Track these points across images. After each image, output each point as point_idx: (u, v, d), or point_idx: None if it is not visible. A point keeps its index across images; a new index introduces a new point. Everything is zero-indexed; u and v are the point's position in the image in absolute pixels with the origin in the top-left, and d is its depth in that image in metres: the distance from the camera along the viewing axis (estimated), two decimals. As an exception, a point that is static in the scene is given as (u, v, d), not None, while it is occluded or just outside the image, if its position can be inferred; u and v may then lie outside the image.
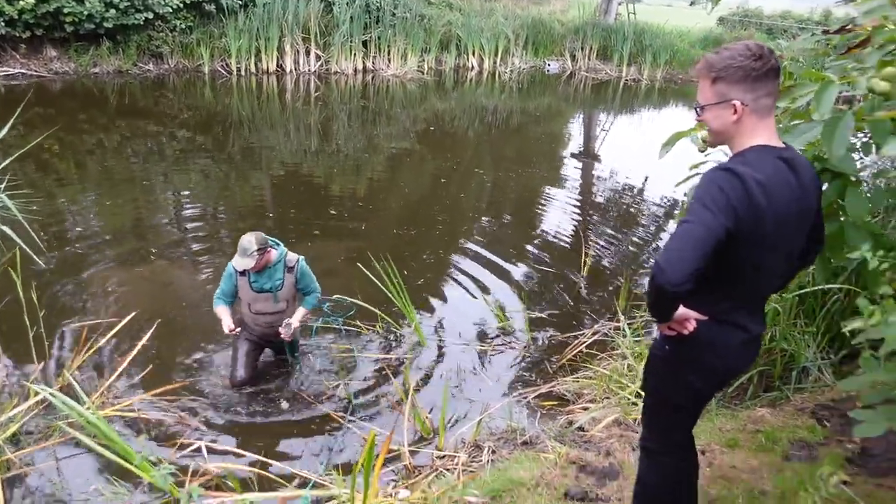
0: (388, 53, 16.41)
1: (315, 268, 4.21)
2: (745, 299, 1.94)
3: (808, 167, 1.86)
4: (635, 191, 9.16)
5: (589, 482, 2.78)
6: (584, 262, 6.00)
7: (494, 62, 18.53)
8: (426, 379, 4.32)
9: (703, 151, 2.58)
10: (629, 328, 4.51)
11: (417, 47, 16.68)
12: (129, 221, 6.66)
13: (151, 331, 4.16)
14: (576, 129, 14.39)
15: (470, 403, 4.06)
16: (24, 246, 3.87)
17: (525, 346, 4.78)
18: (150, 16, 12.78)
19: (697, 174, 2.75)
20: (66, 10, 11.65)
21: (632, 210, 8.35)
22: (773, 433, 3.09)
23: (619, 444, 3.22)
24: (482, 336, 4.89)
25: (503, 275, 5.94)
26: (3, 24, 11.29)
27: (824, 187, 2.19)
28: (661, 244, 7.05)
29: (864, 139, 2.26)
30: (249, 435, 3.68)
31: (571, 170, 10.46)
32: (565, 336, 4.88)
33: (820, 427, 3.16)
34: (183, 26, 13.54)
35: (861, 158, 2.76)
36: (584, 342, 4.70)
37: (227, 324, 3.86)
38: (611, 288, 5.77)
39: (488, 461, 3.30)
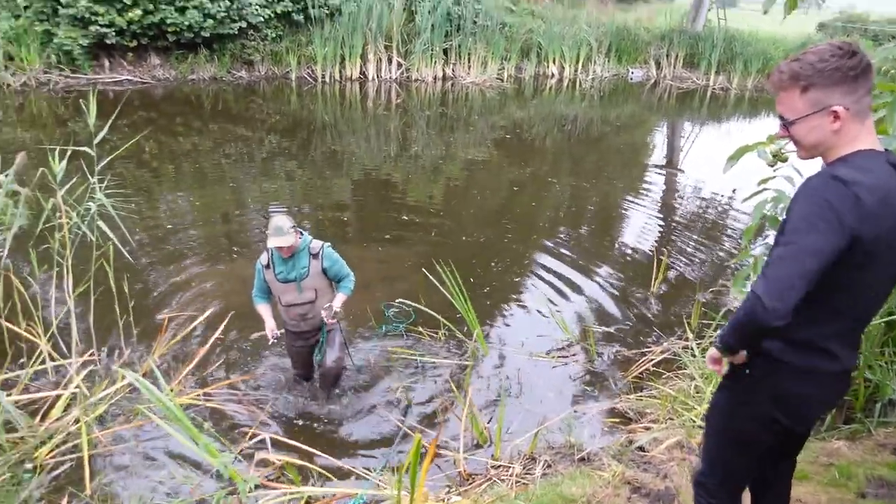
0: (468, 61, 16.55)
1: (382, 272, 4.33)
2: (842, 325, 1.70)
3: None
4: (720, 206, 8.80)
5: (642, 504, 2.71)
6: (657, 277, 5.83)
7: (575, 70, 18.31)
8: (486, 387, 4.33)
9: (772, 166, 2.47)
10: (699, 348, 4.35)
11: (498, 55, 16.73)
12: (217, 220, 7.04)
13: (223, 325, 4.39)
14: (658, 139, 13.99)
15: (529, 414, 4.03)
16: (116, 242, 4.17)
17: (589, 361, 4.71)
18: (244, 25, 13.49)
19: (766, 189, 2.65)
20: (168, 21, 12.47)
21: (715, 226, 8.02)
22: (848, 468, 2.90)
23: (679, 468, 3.12)
24: (545, 347, 4.85)
25: (571, 286, 5.86)
26: (113, 33, 12.22)
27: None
28: (743, 264, 6.74)
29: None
30: (311, 431, 3.82)
31: (652, 181, 10.17)
32: (632, 352, 4.77)
33: (903, 465, 2.94)
34: (273, 35, 14.20)
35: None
36: (652, 360, 4.58)
37: (270, 326, 3.85)
38: (684, 306, 5.58)
39: (542, 474, 3.28)
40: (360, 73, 15.32)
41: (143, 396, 3.50)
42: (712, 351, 1.84)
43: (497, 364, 4.59)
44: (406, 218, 7.28)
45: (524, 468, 3.39)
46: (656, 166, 11.19)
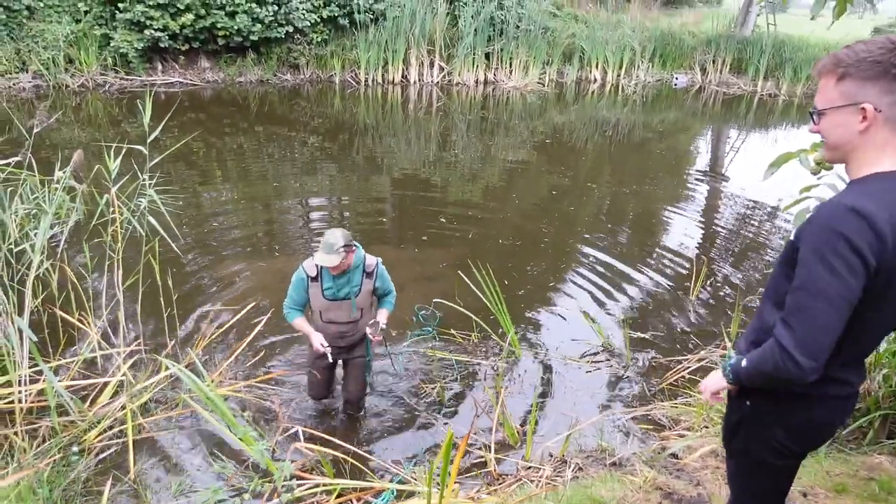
0: (510, 65, 16.56)
1: (417, 272, 4.38)
2: (856, 353, 1.64)
3: None
4: (764, 214, 8.60)
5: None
6: (696, 284, 5.74)
7: (618, 75, 18.12)
8: (519, 389, 4.34)
9: (815, 174, 2.43)
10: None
11: (540, 59, 16.69)
12: (260, 218, 7.23)
13: (264, 320, 4.52)
14: (703, 145, 13.73)
15: (561, 417, 4.03)
16: (165, 235, 4.33)
17: (624, 366, 4.67)
18: (291, 29, 13.80)
19: (808, 198, 2.60)
20: (219, 25, 12.85)
21: (758, 234, 7.84)
22: (889, 483, 2.82)
23: (713, 476, 3.08)
24: (580, 351, 4.83)
25: (608, 292, 5.82)
26: (167, 37, 12.66)
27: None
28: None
29: None
30: (344, 427, 3.89)
31: (695, 188, 9.99)
32: (668, 359, 4.71)
33: (949, 483, 2.84)
34: (319, 39, 14.48)
35: None
36: (688, 367, 4.52)
37: (318, 340, 3.59)
38: (722, 314, 5.48)
39: (572, 477, 3.28)
40: (403, 77, 15.49)
41: (185, 386, 3.64)
42: (717, 381, 1.77)
43: (530, 366, 4.60)
44: (444, 220, 7.34)
45: (555, 470, 3.39)
46: (700, 173, 10.99)
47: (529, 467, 3.47)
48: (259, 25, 13.23)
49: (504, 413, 3.82)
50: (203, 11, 12.69)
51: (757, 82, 18.62)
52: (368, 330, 3.63)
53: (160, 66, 13.50)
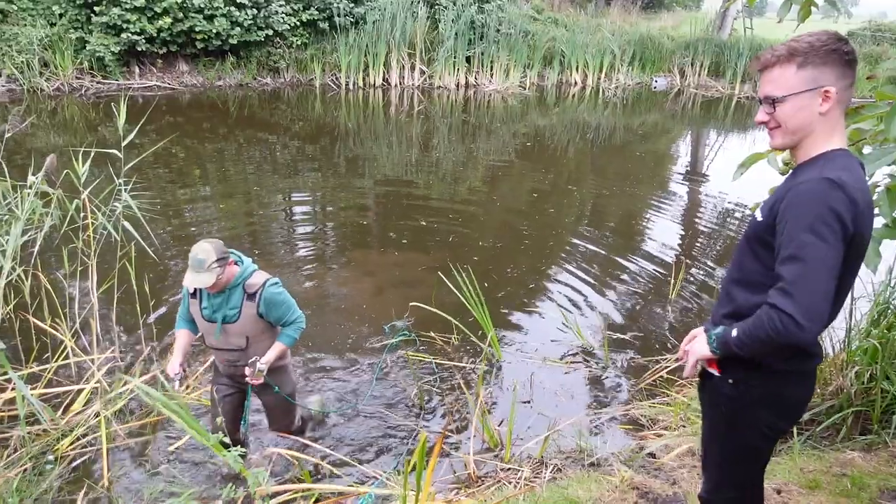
0: (491, 69, 16.62)
1: (397, 276, 4.34)
2: (829, 324, 1.69)
3: None
4: (742, 215, 8.70)
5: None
6: (675, 285, 5.79)
7: (598, 78, 18.27)
8: (498, 391, 4.35)
9: (783, 174, 2.46)
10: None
11: (520, 63, 16.78)
12: (240, 223, 7.17)
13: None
14: (682, 148, 13.89)
15: (540, 419, 4.04)
16: (140, 240, 4.29)
17: (603, 367, 4.69)
18: (270, 33, 13.75)
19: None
20: (197, 28, 12.77)
21: (737, 235, 7.92)
22: (861, 478, 2.86)
23: (689, 475, 3.10)
24: (559, 353, 4.85)
25: (587, 293, 5.86)
26: (144, 41, 12.54)
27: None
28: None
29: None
30: (322, 430, 3.86)
31: (675, 190, 10.10)
32: (646, 360, 4.74)
33: (919, 478, 2.89)
34: (299, 43, 14.44)
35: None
36: (666, 367, 4.55)
37: (174, 362, 3.10)
38: (700, 314, 5.54)
39: (551, 478, 3.29)
40: (384, 80, 15.49)
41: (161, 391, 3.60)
42: (702, 349, 1.77)
43: (510, 368, 4.61)
44: (424, 223, 7.33)
45: (533, 472, 3.39)
46: (680, 175, 11.11)
47: (508, 469, 3.47)
48: (238, 29, 13.16)
49: (483, 415, 3.82)
50: (181, 15, 12.60)
51: (735, 85, 18.90)
52: (246, 370, 3.05)
53: (138, 70, 13.36)
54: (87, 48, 12.45)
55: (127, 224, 4.25)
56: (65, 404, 3.73)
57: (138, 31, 12.35)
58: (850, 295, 1.79)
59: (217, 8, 12.81)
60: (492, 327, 4.67)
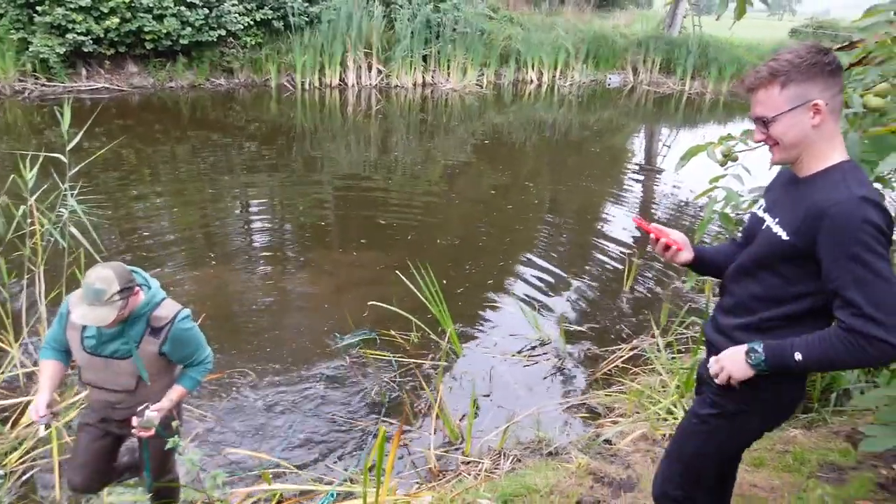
0: (448, 68, 16.68)
1: (356, 275, 4.34)
2: None
3: None
4: (694, 208, 8.96)
5: (603, 493, 2.79)
6: (629, 277, 5.94)
7: (554, 76, 18.52)
8: (458, 386, 4.40)
9: (723, 166, 2.57)
10: (664, 344, 4.46)
11: (477, 61, 16.88)
12: (195, 227, 7.05)
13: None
14: (636, 143, 14.19)
15: (500, 412, 4.10)
16: (88, 247, 4.19)
17: (560, 359, 4.79)
18: (223, 33, 13.50)
19: (717, 188, 2.76)
20: (146, 29, 12.46)
21: (691, 228, 8.16)
22: (802, 454, 3.01)
23: (642, 458, 3.21)
24: (517, 346, 4.93)
25: (545, 288, 5.96)
26: (90, 41, 12.18)
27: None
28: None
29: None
30: (283, 432, 3.85)
31: (630, 185, 10.33)
32: (602, 350, 4.86)
33: (855, 451, 3.05)
34: (252, 43, 14.23)
35: (891, 175, 2.68)
36: (621, 357, 4.68)
37: (41, 401, 2.47)
38: (653, 304, 5.69)
39: (511, 469, 3.35)
40: (340, 80, 15.38)
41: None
42: (742, 370, 1.72)
43: (470, 363, 4.66)
44: (383, 222, 7.34)
45: (493, 463, 3.46)
46: (634, 170, 11.36)
47: (469, 462, 3.53)
48: (189, 29, 12.90)
49: (444, 410, 3.86)
50: (129, 15, 12.28)
51: (685, 81, 19.38)
52: (134, 420, 2.45)
53: (84, 72, 12.96)
54: (31, 49, 12.02)
55: (74, 230, 4.14)
56: (13, 418, 3.62)
57: (84, 31, 11.98)
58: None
59: (167, 7, 12.53)
60: (451, 323, 4.71)
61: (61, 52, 12.12)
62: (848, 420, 3.41)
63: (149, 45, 12.89)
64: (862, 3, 2.28)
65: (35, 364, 4.01)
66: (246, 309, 5.23)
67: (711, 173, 2.87)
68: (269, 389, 4.20)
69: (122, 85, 13.23)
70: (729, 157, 2.59)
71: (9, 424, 3.56)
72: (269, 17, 14.15)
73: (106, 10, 11.99)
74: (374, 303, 4.99)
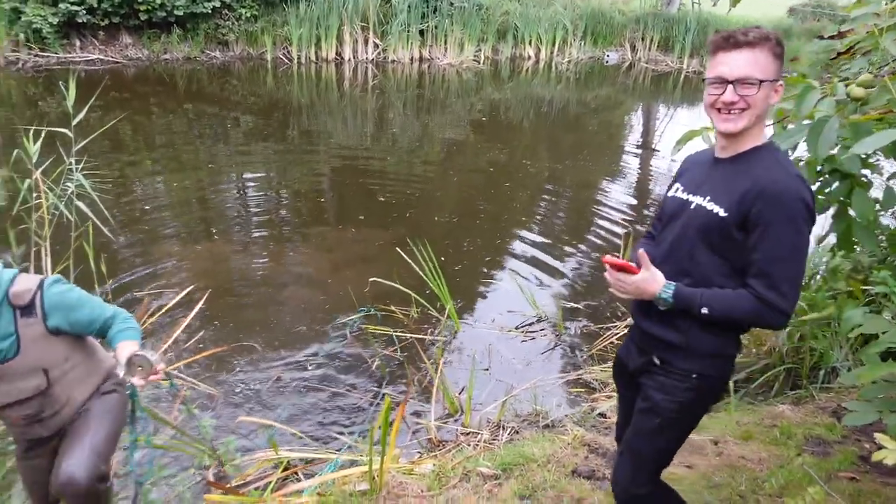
0: (445, 43, 16.56)
1: (355, 252, 4.40)
2: None
3: None
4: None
5: (597, 462, 2.91)
6: (625, 255, 6.04)
7: (552, 52, 18.41)
8: (457, 360, 4.51)
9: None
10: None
11: (474, 37, 16.76)
12: (195, 201, 7.09)
13: (201, 303, 4.51)
14: (634, 121, 14.21)
15: (498, 385, 4.22)
16: (96, 220, 4.24)
17: (557, 335, 4.90)
18: (218, 4, 13.35)
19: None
20: None
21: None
22: (789, 428, 3.14)
23: (636, 431, 3.33)
24: (515, 322, 5.03)
25: (542, 265, 6.05)
26: (84, 12, 12.03)
27: (835, 186, 2.24)
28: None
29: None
30: (287, 402, 3.95)
31: (627, 163, 10.38)
32: (598, 326, 4.97)
33: (840, 425, 3.18)
34: (248, 15, 14.07)
35: (878, 160, 2.77)
36: (616, 333, 4.80)
37: None
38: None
39: (509, 440, 3.47)
40: (337, 54, 15.27)
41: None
42: (650, 288, 1.75)
43: (468, 338, 4.77)
44: (382, 199, 7.39)
45: (492, 434, 3.57)
46: (631, 147, 11.41)
47: (468, 433, 3.65)
48: (183, 0, 12.75)
49: (444, 383, 3.97)
50: (123, -15, 12.13)
51: (683, 60, 19.31)
52: (134, 379, 2.09)
53: (78, 43, 12.83)
54: (23, 19, 11.87)
55: (81, 204, 4.19)
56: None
57: (77, 1, 11.84)
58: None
59: (161, -22, 12.39)
60: (450, 299, 4.80)
61: (54, 23, 11.98)
62: (835, 396, 3.54)
63: (143, 17, 12.76)
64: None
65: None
66: (247, 284, 5.30)
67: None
68: (273, 362, 4.29)
69: (117, 56, 13.10)
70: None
71: None
72: (265, -11, 13.99)
73: (99, -20, 11.83)
74: (375, 279, 5.07)
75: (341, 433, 3.65)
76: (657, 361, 1.87)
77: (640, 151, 11.12)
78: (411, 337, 4.68)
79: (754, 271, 1.66)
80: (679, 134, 2.67)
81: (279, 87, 13.07)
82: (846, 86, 2.03)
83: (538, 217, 7.37)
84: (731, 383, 3.65)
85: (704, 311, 1.69)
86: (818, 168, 2.21)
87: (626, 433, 2.02)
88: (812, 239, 1.84)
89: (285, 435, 3.50)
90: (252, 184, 7.93)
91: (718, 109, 1.68)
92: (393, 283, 4.96)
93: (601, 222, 7.27)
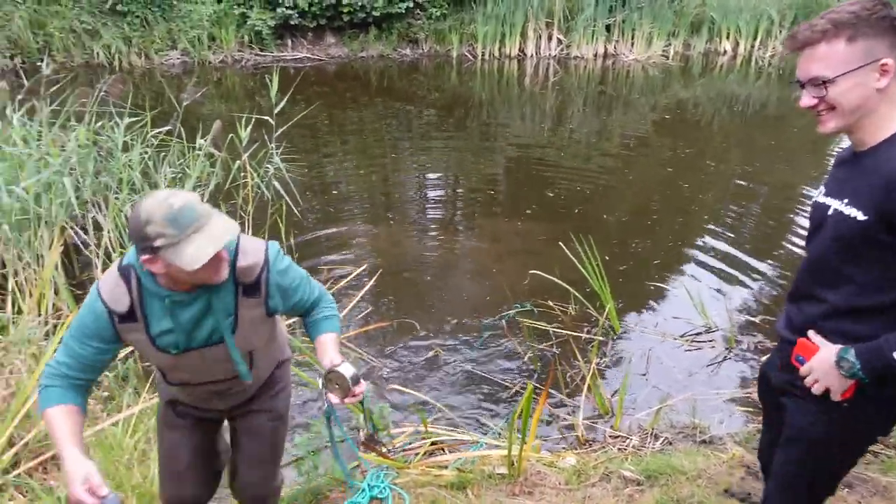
0: (633, 37, 15.94)
1: (516, 244, 4.43)
2: None
3: None
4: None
5: (754, 487, 2.67)
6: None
7: (752, 46, 16.90)
8: (613, 361, 4.38)
9: None
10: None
11: (664, 31, 15.92)
12: (377, 187, 7.64)
13: (373, 281, 4.86)
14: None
15: (654, 391, 4.03)
16: (287, 199, 4.76)
17: (727, 348, 4.55)
18: (411, 4, 14.14)
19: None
20: (344, 2, 13.44)
21: None
22: None
23: (807, 461, 3.00)
24: (680, 330, 4.76)
25: (717, 273, 5.63)
26: (296, 15, 13.43)
27: None
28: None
29: None
30: (439, 382, 4.12)
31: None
32: (774, 344, 4.52)
33: None
34: (438, 14, 14.73)
35: None
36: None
37: (82, 472, 1.54)
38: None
39: (660, 449, 3.32)
40: (519, 51, 15.40)
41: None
42: (839, 383, 1.54)
43: (627, 341, 4.61)
44: (551, 194, 7.35)
45: (641, 441, 3.44)
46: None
47: (617, 436, 3.54)
48: (381, 1, 13.68)
49: (596, 383, 3.89)
50: (329, -11, 13.32)
51: (917, 52, 16.68)
52: (332, 396, 1.89)
53: (290, 43, 14.34)
54: (248, 23, 13.56)
55: (277, 184, 4.72)
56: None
57: (292, 5, 13.24)
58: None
59: (363, -19, 13.41)
60: (611, 299, 4.66)
61: (272, 25, 13.51)
62: None
63: (345, 18, 13.90)
64: None
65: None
66: (417, 266, 5.61)
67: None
68: (431, 342, 4.50)
69: (321, 55, 14.44)
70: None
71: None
72: (455, -12, 14.53)
73: (310, -15, 13.11)
74: (535, 272, 5.09)
75: (487, 418, 3.74)
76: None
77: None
78: (567, 334, 4.63)
79: None
80: None
81: (462, 83, 13.52)
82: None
83: (719, 223, 6.84)
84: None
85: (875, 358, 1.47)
86: None
87: (775, 458, 1.84)
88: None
89: (433, 411, 3.66)
90: (429, 173, 8.33)
91: None
92: (553, 278, 4.93)
93: (792, 236, 6.54)
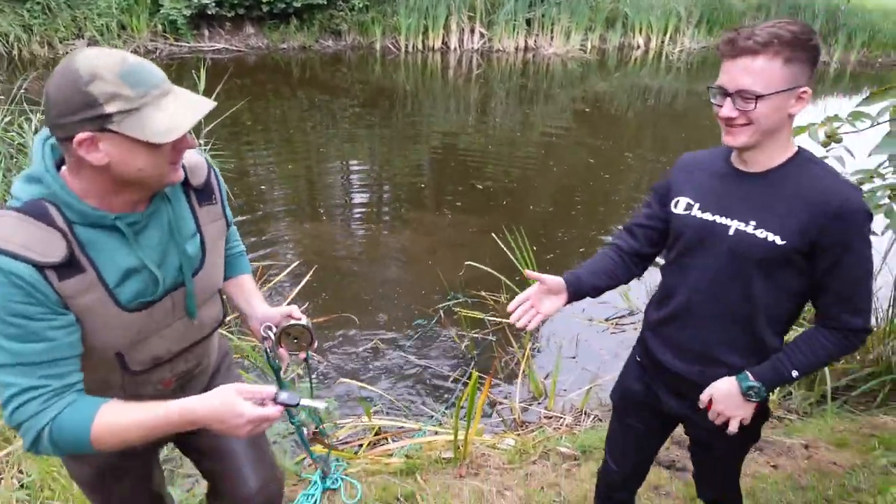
0: (552, 31, 16.40)
1: (448, 237, 4.56)
2: None
3: None
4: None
5: (679, 453, 2.92)
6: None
7: (662, 41, 17.77)
8: (545, 346, 4.60)
9: (825, 147, 2.57)
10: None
11: (582, 25, 16.49)
12: (304, 183, 7.57)
13: (308, 276, 4.86)
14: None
15: (583, 373, 4.27)
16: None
17: (648, 329, 4.86)
18: (333, -4, 13.98)
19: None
20: (264, -8, 13.14)
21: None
22: (890, 440, 3.00)
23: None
24: (605, 314, 5.04)
25: (637, 258, 5.98)
26: (213, 4, 12.99)
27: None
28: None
29: None
30: (380, 374, 4.20)
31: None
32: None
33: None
34: (360, 5, 14.62)
35: None
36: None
37: (229, 399, 1.19)
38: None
39: (591, 426, 3.54)
40: (443, 44, 15.54)
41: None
42: (742, 409, 1.55)
43: (557, 327, 4.84)
44: (480, 186, 7.54)
45: (574, 420, 3.66)
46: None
47: (551, 416, 3.75)
48: (302, -9, 13.46)
49: (530, 367, 4.09)
50: (248, -22, 12.95)
51: (808, 49, 18.03)
52: (283, 353, 1.68)
53: (207, 33, 13.86)
54: (161, 11, 12.99)
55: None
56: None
57: (208, -6, 12.81)
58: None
59: (282, -29, 13.12)
60: (541, 287, 4.86)
61: (187, 14, 13.01)
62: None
63: (265, 8, 13.58)
64: None
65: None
66: (349, 262, 5.64)
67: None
68: (369, 335, 4.56)
69: (240, 46, 14.04)
70: (832, 138, 2.58)
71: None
72: (378, -20, 14.47)
73: (228, -26, 12.70)
74: (470, 263, 5.24)
75: (429, 406, 3.86)
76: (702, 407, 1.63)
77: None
78: (501, 321, 4.81)
79: (831, 299, 1.50)
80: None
81: (386, 75, 13.51)
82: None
83: (636, 211, 7.24)
84: (828, 390, 3.53)
85: (795, 373, 1.53)
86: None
87: (703, 470, 1.96)
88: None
89: (376, 403, 3.75)
90: (357, 168, 8.33)
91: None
92: (486, 268, 5.10)
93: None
